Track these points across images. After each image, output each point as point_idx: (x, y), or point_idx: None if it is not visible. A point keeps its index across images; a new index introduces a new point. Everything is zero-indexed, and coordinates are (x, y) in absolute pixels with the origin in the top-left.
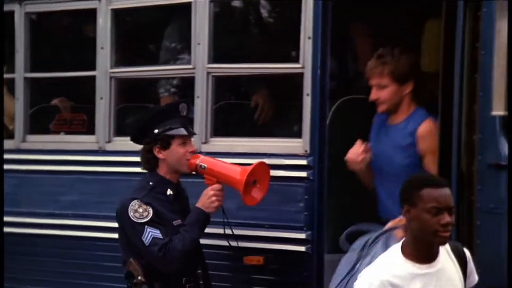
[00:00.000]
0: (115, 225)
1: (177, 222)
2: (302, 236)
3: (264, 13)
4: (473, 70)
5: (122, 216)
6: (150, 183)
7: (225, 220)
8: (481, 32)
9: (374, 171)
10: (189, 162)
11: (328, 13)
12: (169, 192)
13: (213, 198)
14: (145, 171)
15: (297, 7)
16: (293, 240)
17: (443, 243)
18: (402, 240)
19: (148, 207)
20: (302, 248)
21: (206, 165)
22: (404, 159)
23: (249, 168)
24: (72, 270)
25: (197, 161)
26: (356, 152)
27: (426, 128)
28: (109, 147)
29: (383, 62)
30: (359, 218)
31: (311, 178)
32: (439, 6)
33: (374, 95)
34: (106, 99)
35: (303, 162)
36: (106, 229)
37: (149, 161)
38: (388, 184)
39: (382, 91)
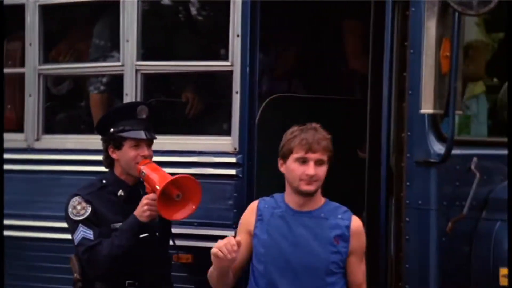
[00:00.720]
0: (45, 224)
1: (115, 225)
2: (231, 234)
3: (194, 10)
4: (402, 69)
5: (64, 210)
6: (104, 181)
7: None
8: (409, 31)
9: (273, 269)
10: (137, 166)
11: (256, 11)
12: (120, 193)
13: (145, 208)
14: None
15: (226, 5)
16: (222, 238)
17: None
18: None
19: (87, 205)
20: None
21: (145, 173)
22: (331, 255)
23: (171, 177)
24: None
25: (141, 167)
26: (230, 248)
27: (359, 225)
28: (38, 145)
29: (326, 137)
30: None
31: (240, 175)
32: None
33: (313, 170)
34: (35, 96)
35: (232, 160)
36: (35, 229)
37: (106, 159)
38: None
39: (320, 168)
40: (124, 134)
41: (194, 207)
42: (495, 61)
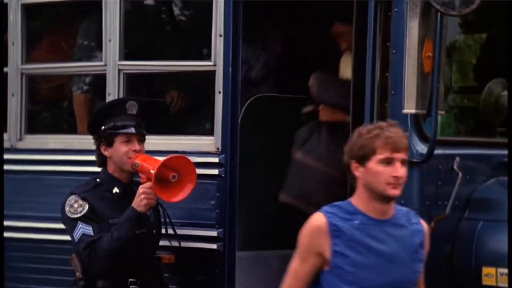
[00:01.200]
0: (28, 224)
1: (114, 221)
2: (213, 234)
3: (176, 10)
4: (385, 69)
5: (61, 211)
6: (98, 180)
7: (167, 220)
8: (392, 32)
9: None
10: (130, 161)
11: (239, 10)
12: (115, 190)
13: (142, 197)
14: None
15: (209, 4)
16: (204, 238)
17: None
18: None
19: (84, 202)
20: (213, 246)
21: (139, 163)
22: (417, 264)
23: (163, 160)
24: None
25: (134, 160)
26: None
27: (428, 227)
28: (21, 145)
29: (405, 134)
30: (270, 215)
31: (222, 175)
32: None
33: (402, 171)
34: (18, 96)
35: (215, 159)
36: (18, 229)
37: (98, 157)
38: None
39: (404, 169)
40: (114, 130)
41: (192, 185)
42: (478, 61)
